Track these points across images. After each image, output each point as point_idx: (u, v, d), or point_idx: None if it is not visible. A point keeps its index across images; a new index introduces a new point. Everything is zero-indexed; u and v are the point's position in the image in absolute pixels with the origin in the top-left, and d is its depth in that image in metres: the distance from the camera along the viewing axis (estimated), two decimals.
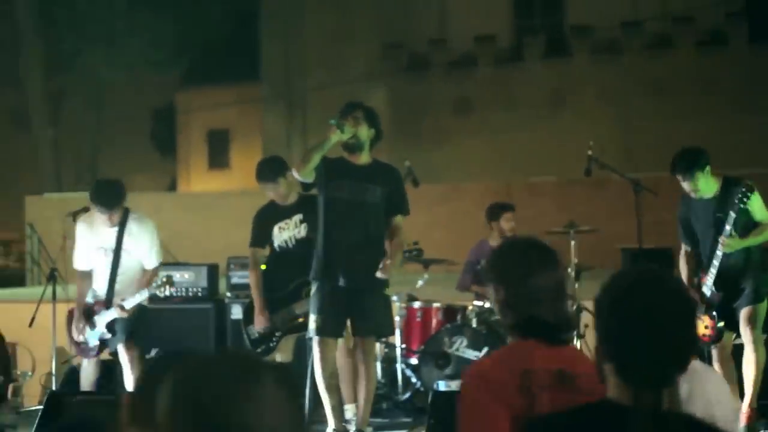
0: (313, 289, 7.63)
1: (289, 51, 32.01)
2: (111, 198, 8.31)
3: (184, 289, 9.90)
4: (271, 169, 8.61)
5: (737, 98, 26.74)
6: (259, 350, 8.36)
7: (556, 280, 3.61)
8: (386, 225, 7.67)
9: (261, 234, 8.62)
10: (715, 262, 7.68)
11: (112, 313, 8.33)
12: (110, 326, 8.39)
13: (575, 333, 8.48)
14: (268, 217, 8.65)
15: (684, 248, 8.10)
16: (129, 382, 8.32)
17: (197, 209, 23.20)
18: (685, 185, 7.75)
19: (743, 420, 7.53)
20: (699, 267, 7.94)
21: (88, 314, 8.48)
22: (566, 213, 14.40)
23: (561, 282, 3.64)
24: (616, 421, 2.65)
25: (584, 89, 28.58)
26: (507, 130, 28.41)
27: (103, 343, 8.49)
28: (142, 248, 8.48)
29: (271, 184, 8.52)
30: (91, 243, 8.48)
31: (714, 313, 7.75)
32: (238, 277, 9.81)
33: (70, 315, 8.65)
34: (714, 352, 7.88)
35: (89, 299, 8.57)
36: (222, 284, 10.65)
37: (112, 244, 8.39)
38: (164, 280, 8.39)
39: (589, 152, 9.60)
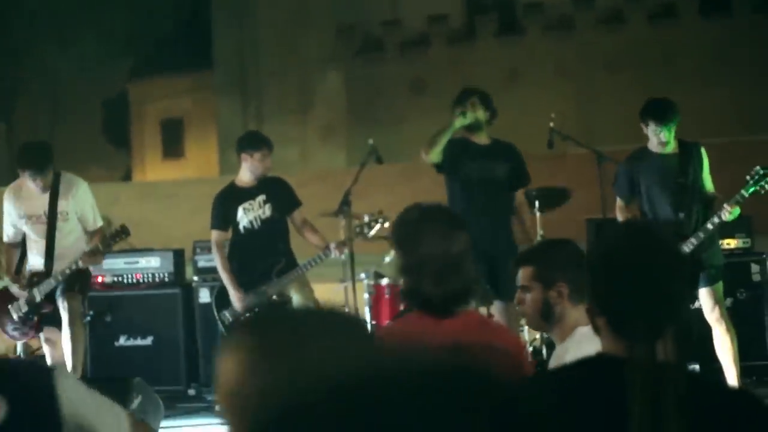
0: None
1: (242, 37, 31.87)
2: (40, 159, 8.02)
3: (150, 275, 9.82)
4: (264, 138, 8.83)
5: (691, 70, 26.91)
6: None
7: (448, 251, 3.48)
8: (511, 199, 8.39)
9: (223, 216, 8.59)
10: (709, 227, 7.46)
11: (52, 283, 7.97)
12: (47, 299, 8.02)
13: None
14: (230, 198, 8.61)
15: (620, 202, 7.87)
16: (66, 338, 7.96)
17: (155, 198, 23.09)
18: (658, 135, 7.55)
19: None
20: None
21: (26, 286, 8.09)
22: (531, 187, 14.44)
23: (455, 253, 3.50)
24: (613, 375, 2.65)
25: (539, 66, 28.67)
26: None
27: (42, 320, 8.17)
28: (83, 208, 8.17)
29: (260, 153, 8.51)
30: (20, 212, 8.14)
31: None
32: (204, 261, 9.73)
33: (1, 296, 8.29)
34: None
35: (28, 269, 8.22)
36: (188, 269, 10.60)
37: (45, 209, 8.03)
38: (118, 228, 8.15)
39: (551, 124, 9.61)
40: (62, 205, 8.07)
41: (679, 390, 2.58)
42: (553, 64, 28.58)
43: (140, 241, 15.77)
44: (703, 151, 7.72)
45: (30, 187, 8.10)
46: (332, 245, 8.54)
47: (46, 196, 8.04)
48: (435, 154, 8.18)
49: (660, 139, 7.59)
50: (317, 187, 17.40)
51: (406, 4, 30.71)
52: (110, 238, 8.06)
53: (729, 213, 7.37)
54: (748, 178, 7.47)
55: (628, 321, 2.71)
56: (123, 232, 8.12)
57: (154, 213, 21.67)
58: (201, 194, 19.14)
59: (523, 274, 4.07)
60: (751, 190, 7.42)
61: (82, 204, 8.19)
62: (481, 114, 8.25)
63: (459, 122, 8.16)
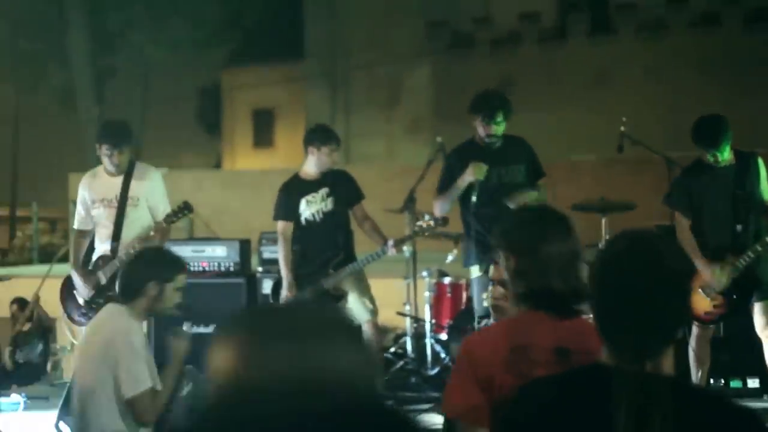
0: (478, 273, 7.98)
1: (333, 30, 32.03)
2: (117, 134, 8.12)
3: (216, 264, 9.94)
4: (331, 133, 8.91)
5: None
6: None
7: (568, 249, 3.52)
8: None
9: (287, 207, 8.66)
10: (759, 247, 7.33)
11: (116, 264, 7.93)
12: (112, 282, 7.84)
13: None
14: (294, 190, 8.69)
15: (683, 219, 7.67)
16: None
17: (239, 186, 23.32)
18: (712, 157, 7.43)
19: None
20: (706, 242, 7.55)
21: (92, 271, 8.15)
22: (605, 192, 14.30)
23: (574, 251, 3.55)
24: (604, 384, 2.64)
25: (629, 67, 28.38)
26: (551, 108, 28.27)
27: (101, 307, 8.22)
28: (154, 197, 8.18)
29: (328, 148, 8.61)
30: (93, 197, 8.17)
31: (734, 296, 7.45)
32: (269, 252, 9.86)
33: (65, 285, 8.35)
34: (696, 330, 7.65)
35: (95, 254, 8.23)
36: (254, 259, 10.71)
37: (117, 193, 8.08)
38: (180, 205, 8.07)
39: (622, 128, 9.53)
40: (134, 190, 8.10)
41: (666, 402, 2.56)
42: (644, 65, 28.27)
43: (221, 229, 15.99)
44: (760, 161, 7.58)
45: (104, 173, 8.19)
46: (390, 243, 8.56)
47: (119, 181, 8.10)
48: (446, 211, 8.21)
49: (717, 159, 7.48)
50: (401, 182, 17.41)
51: (498, 2, 30.60)
52: (172, 215, 8.04)
53: None
54: None
55: (616, 339, 2.70)
56: (185, 208, 8.08)
57: (236, 201, 21.92)
58: None
59: None
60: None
61: (154, 192, 8.21)
62: (501, 129, 8.12)
63: (471, 178, 7.93)
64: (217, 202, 20.27)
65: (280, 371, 1.93)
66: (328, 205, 8.57)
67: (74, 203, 11.31)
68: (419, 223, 8.67)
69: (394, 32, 30.45)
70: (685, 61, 27.89)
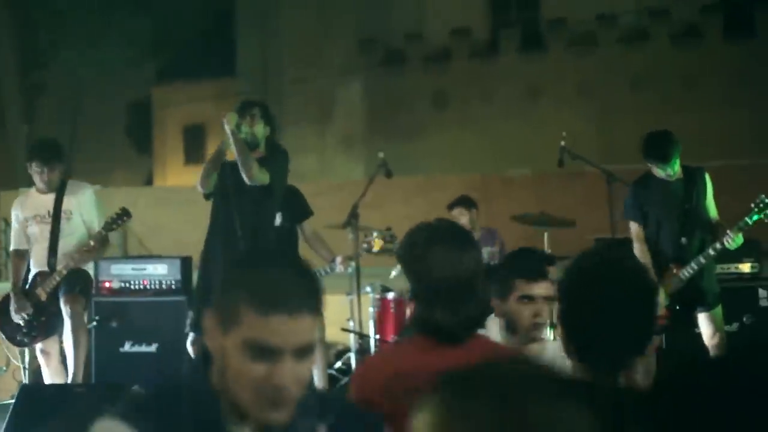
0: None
1: (265, 46, 31.99)
2: (47, 152, 8.17)
3: (157, 282, 9.83)
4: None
5: (714, 91, 26.83)
6: None
7: (461, 274, 3.28)
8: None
9: None
10: (710, 252, 7.43)
11: (55, 279, 8.02)
12: (53, 297, 8.04)
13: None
14: None
15: (637, 228, 7.76)
16: (68, 343, 7.96)
17: (173, 203, 23.10)
18: (663, 171, 7.53)
19: None
20: (656, 253, 7.64)
21: (30, 288, 8.17)
22: (541, 205, 14.38)
23: (467, 274, 3.30)
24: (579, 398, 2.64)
25: (560, 82, 28.64)
26: (483, 123, 28.46)
27: (45, 325, 8.18)
28: (88, 211, 8.23)
29: None
30: (26, 214, 8.23)
31: (677, 307, 7.54)
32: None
33: (3, 302, 8.31)
34: None
35: (32, 273, 8.25)
36: (195, 276, 10.60)
37: (50, 208, 8.13)
38: (118, 212, 8.10)
39: (562, 143, 9.59)
40: (66, 204, 8.17)
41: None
42: (575, 81, 28.54)
43: (156, 246, 15.87)
44: (707, 176, 7.69)
45: (36, 192, 8.25)
46: (338, 259, 8.56)
47: (52, 197, 8.16)
48: (209, 186, 7.58)
49: (667, 174, 7.58)
50: (335, 197, 17.39)
51: (429, 17, 30.73)
52: (111, 222, 8.07)
53: (732, 240, 7.32)
54: (752, 205, 7.40)
55: (590, 353, 2.72)
56: (124, 214, 8.13)
57: (171, 218, 21.72)
58: None
59: None
60: (756, 218, 7.37)
61: (87, 206, 8.27)
62: (260, 130, 7.53)
63: (228, 129, 7.28)
64: (151, 220, 20.07)
65: None
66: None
67: (5, 221, 11.14)
68: (368, 239, 8.66)
69: (326, 48, 30.48)
70: (615, 76, 28.22)
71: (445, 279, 3.25)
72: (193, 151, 37.46)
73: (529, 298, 4.18)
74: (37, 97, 31.40)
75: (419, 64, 30.56)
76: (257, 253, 2.56)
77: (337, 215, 9.71)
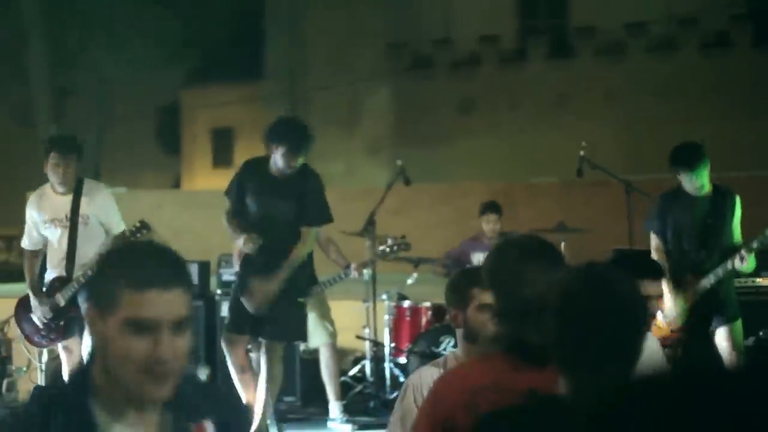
0: None
1: (293, 50, 32.03)
2: (66, 144, 8.08)
3: None
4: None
5: (742, 101, 26.66)
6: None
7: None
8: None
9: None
10: (720, 273, 7.44)
11: (74, 287, 7.95)
12: (71, 303, 7.96)
13: None
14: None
15: (657, 241, 7.80)
16: (88, 346, 7.80)
17: (198, 207, 23.17)
18: (691, 181, 7.55)
19: None
20: (676, 263, 7.65)
21: (49, 293, 8.11)
22: (566, 214, 14.35)
23: None
24: (563, 418, 2.65)
25: (588, 91, 28.52)
26: (510, 130, 28.41)
27: (64, 329, 8.16)
28: (105, 213, 8.13)
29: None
30: (42, 217, 8.11)
31: (693, 322, 7.51)
32: (229, 274, 9.80)
33: (20, 306, 8.30)
34: None
35: (49, 276, 8.18)
36: (213, 281, 10.66)
37: (67, 212, 8.01)
38: (137, 225, 7.97)
39: (581, 153, 9.58)
40: (84, 208, 8.06)
41: None
42: (602, 89, 28.43)
43: (181, 250, 15.94)
44: (737, 199, 7.71)
45: (52, 193, 8.15)
46: (353, 265, 8.57)
47: (68, 200, 8.05)
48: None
49: (694, 185, 7.58)
50: (362, 204, 17.40)
51: (458, 23, 30.68)
52: (129, 235, 7.97)
53: (745, 260, 7.34)
54: None
55: (578, 370, 2.72)
56: (143, 227, 7.99)
57: (195, 222, 21.78)
58: None
59: None
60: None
61: (105, 209, 8.18)
62: (300, 161, 7.63)
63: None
64: (176, 223, 20.15)
65: None
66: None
67: None
68: (382, 247, 8.67)
69: (354, 53, 30.48)
70: (642, 85, 28.08)
71: (537, 298, 3.05)
72: (221, 154, 37.54)
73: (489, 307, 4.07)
74: (66, 98, 31.53)
75: (447, 70, 30.52)
76: (128, 244, 2.71)
77: (361, 222, 9.68)
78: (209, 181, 36.37)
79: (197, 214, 22.47)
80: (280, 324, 7.65)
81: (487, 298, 3.93)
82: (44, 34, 29.07)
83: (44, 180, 8.27)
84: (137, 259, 2.50)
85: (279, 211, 7.69)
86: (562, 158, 24.20)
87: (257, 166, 7.87)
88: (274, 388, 7.80)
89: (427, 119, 29.70)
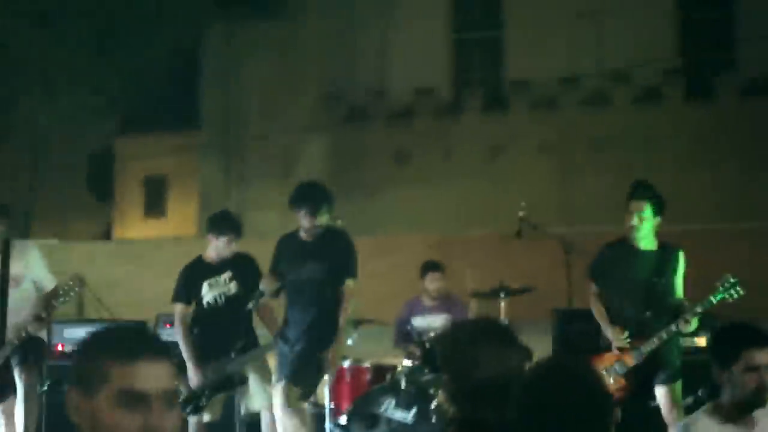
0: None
1: (228, 100, 31.96)
2: None
3: None
4: (232, 224, 8.67)
5: (676, 154, 27.00)
6: (187, 410, 8.21)
7: (508, 371, 3.18)
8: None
9: (187, 290, 8.53)
10: (664, 335, 7.47)
11: (7, 350, 7.81)
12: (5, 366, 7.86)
13: None
14: (195, 272, 8.56)
15: (595, 289, 7.84)
16: (20, 412, 7.90)
17: (131, 258, 23.03)
18: (630, 213, 7.58)
19: None
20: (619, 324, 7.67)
21: None
22: (501, 267, 14.36)
23: (516, 374, 3.17)
24: None
25: (522, 143, 28.72)
26: (445, 182, 28.50)
27: (3, 387, 8.01)
28: (38, 273, 8.05)
29: (226, 238, 8.47)
30: None
31: (635, 380, 7.55)
32: (167, 335, 9.61)
33: None
34: None
35: None
36: None
37: None
38: (70, 282, 7.78)
39: (521, 213, 9.62)
40: (14, 270, 7.96)
41: None
42: (536, 142, 28.64)
43: (112, 302, 15.75)
44: (681, 256, 7.73)
45: None
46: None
47: None
48: None
49: (631, 219, 7.62)
50: None
51: (393, 75, 30.81)
52: (64, 294, 7.73)
53: (688, 324, 7.42)
54: (717, 284, 7.44)
55: None
56: (75, 285, 7.81)
57: (128, 273, 21.62)
58: (176, 254, 18.96)
59: None
60: (719, 297, 7.42)
61: (37, 268, 8.11)
62: (325, 219, 8.16)
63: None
64: (109, 275, 19.95)
65: None
66: (232, 289, 8.46)
67: None
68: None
69: (290, 104, 30.47)
70: (576, 137, 28.35)
71: (492, 377, 3.16)
72: (153, 203, 37.34)
73: None
74: None
75: (382, 122, 30.60)
76: (104, 327, 2.67)
77: None
78: (141, 229, 36.18)
79: (130, 266, 22.31)
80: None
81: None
82: None
83: None
84: (119, 334, 2.50)
85: (309, 270, 8.12)
86: (498, 210, 24.41)
87: (289, 238, 8.41)
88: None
89: (362, 170, 29.74)
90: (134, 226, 36.91)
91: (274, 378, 8.29)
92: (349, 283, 8.13)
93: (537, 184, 25.89)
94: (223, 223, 8.67)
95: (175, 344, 8.63)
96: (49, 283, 8.12)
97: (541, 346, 9.34)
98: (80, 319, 9.93)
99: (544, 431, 2.71)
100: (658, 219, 7.64)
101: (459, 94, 30.85)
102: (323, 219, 8.07)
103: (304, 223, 8.12)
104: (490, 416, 3.14)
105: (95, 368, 2.41)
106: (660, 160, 26.72)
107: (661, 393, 7.62)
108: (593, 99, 29.08)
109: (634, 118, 28.23)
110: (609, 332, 7.62)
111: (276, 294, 8.28)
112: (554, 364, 2.84)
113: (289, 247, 8.30)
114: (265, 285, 8.08)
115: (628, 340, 7.55)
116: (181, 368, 8.43)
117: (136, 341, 2.45)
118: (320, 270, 8.08)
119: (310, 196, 8.16)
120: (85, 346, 2.55)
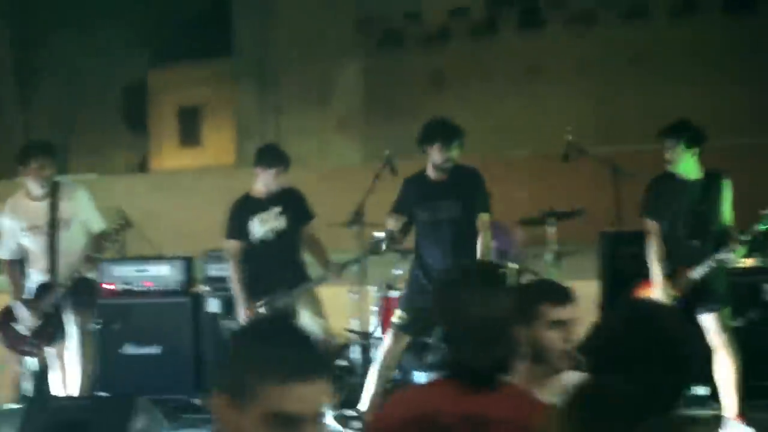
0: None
1: (262, 27, 31.75)
2: (45, 147, 8.09)
3: (161, 283, 9.73)
4: (280, 156, 8.58)
5: (715, 67, 26.60)
6: None
7: (489, 315, 3.25)
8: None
9: (239, 227, 8.51)
10: (712, 264, 7.45)
11: (59, 293, 7.91)
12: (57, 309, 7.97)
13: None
14: (246, 209, 8.54)
15: (656, 226, 7.75)
16: (74, 355, 7.97)
17: (171, 189, 23.02)
18: (669, 150, 7.55)
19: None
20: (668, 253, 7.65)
21: (35, 300, 8.00)
22: (542, 187, 14.22)
23: (497, 317, 3.26)
24: None
25: (560, 61, 28.41)
26: (482, 102, 28.26)
27: (51, 335, 8.05)
28: (86, 212, 8.09)
29: (275, 170, 8.43)
30: (21, 225, 8.01)
31: (681, 307, 7.40)
32: (215, 270, 9.64)
33: (4, 314, 8.15)
34: None
35: (31, 285, 8.06)
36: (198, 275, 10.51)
37: (46, 218, 7.93)
38: (121, 222, 8.03)
39: (569, 137, 9.48)
40: (63, 212, 7.99)
41: None
42: (574, 59, 28.31)
43: (157, 234, 15.76)
44: (725, 183, 7.63)
45: (26, 199, 8.05)
46: (332, 267, 8.48)
47: (45, 206, 7.95)
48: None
49: (665, 156, 7.58)
50: (335, 184, 17.25)
51: None
52: (113, 233, 8.06)
53: (734, 253, 7.44)
54: (765, 212, 7.39)
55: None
56: (124, 224, 8.09)
57: (169, 206, 21.62)
58: (217, 185, 18.96)
59: None
60: (764, 227, 7.40)
61: (85, 209, 8.13)
62: (456, 153, 8.17)
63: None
64: (149, 208, 19.96)
65: None
66: (282, 223, 8.43)
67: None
68: (374, 239, 8.56)
69: (324, 29, 30.25)
70: (614, 53, 27.97)
71: (477, 319, 3.22)
72: (188, 133, 37.41)
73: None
74: (32, 81, 31.23)
75: (417, 44, 30.38)
76: (262, 327, 2.54)
77: (339, 202, 9.57)
78: (177, 160, 36.29)
79: (170, 197, 22.32)
80: None
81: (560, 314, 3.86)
82: (7, 20, 28.78)
83: (14, 168, 8.15)
84: (275, 347, 2.35)
85: (445, 209, 8.11)
86: (537, 129, 24.22)
87: (417, 178, 8.41)
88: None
89: (398, 94, 29.57)
90: (171, 157, 37.02)
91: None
92: (484, 217, 8.10)
93: (576, 101, 25.65)
94: (271, 155, 8.62)
95: (225, 279, 8.67)
96: (98, 223, 8.15)
97: (588, 270, 9.29)
98: (127, 257, 9.91)
99: (634, 378, 2.66)
100: (694, 149, 7.54)
101: (494, 13, 30.51)
102: (454, 153, 8.09)
103: (436, 158, 8.13)
104: (476, 358, 3.23)
105: (245, 382, 2.32)
106: (700, 73, 26.34)
107: (707, 320, 7.55)
108: (631, 12, 28.64)
109: (674, 30, 27.79)
110: (658, 281, 7.55)
111: (405, 233, 8.29)
112: (640, 316, 2.79)
113: (419, 188, 8.26)
114: (392, 225, 8.15)
115: (675, 295, 7.48)
116: (232, 304, 8.47)
117: (293, 358, 2.33)
118: (456, 208, 8.08)
119: (441, 130, 8.23)
120: (237, 351, 2.44)
